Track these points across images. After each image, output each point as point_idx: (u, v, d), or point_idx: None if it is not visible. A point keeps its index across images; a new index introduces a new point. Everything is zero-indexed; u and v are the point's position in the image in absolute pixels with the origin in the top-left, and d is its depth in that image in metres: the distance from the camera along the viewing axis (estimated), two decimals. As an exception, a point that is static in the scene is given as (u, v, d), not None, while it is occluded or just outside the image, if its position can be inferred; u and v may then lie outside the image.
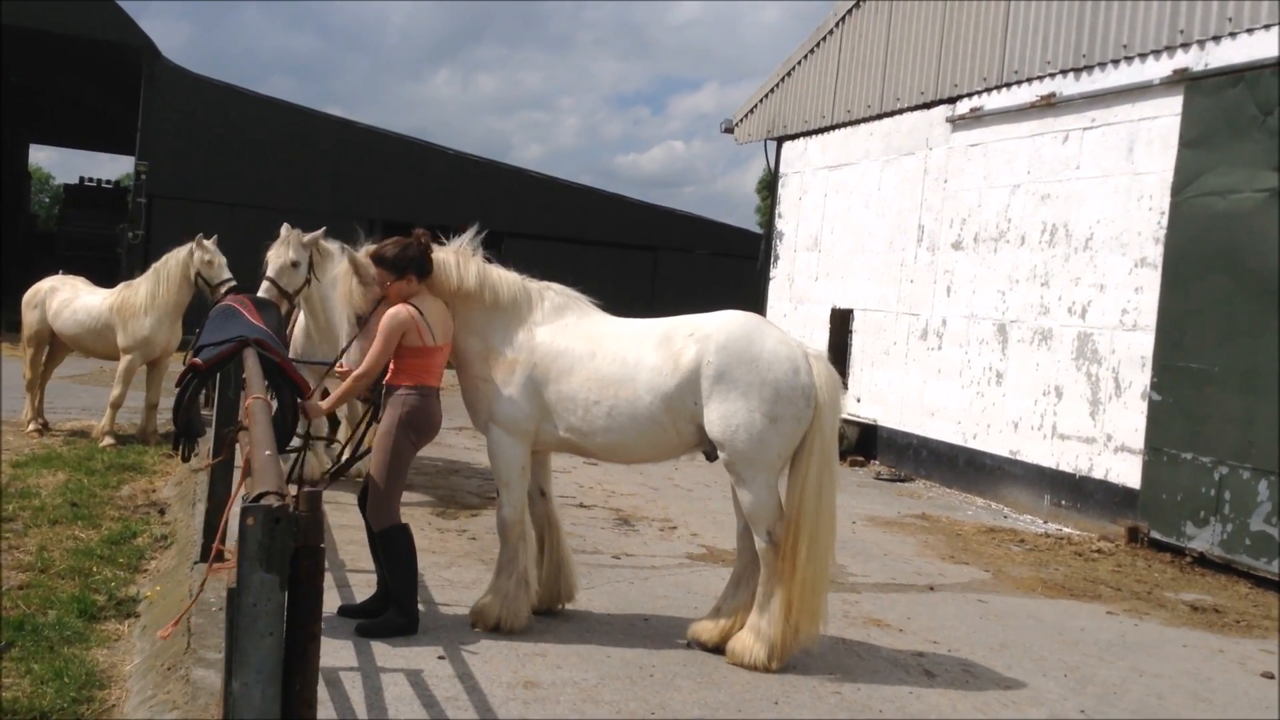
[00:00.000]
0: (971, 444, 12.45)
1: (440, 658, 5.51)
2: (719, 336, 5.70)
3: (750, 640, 5.73)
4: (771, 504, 5.73)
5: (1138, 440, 10.16)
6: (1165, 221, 10.02)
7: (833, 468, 5.81)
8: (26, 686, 4.84)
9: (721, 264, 28.46)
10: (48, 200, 72.83)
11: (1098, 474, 10.65)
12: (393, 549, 5.81)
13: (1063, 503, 11.05)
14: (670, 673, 5.60)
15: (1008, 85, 12.24)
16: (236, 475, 4.80)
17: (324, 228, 9.37)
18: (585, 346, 5.91)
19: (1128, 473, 10.27)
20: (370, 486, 5.86)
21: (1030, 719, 5.44)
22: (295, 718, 2.26)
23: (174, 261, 11.16)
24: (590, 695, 5.19)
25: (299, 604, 2.28)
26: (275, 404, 5.74)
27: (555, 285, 6.27)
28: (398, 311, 5.75)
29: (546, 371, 5.91)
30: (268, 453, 2.76)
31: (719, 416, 5.64)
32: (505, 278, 6.15)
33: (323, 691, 4.93)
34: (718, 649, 5.91)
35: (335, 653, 5.41)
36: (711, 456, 5.88)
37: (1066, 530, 10.69)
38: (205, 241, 11.02)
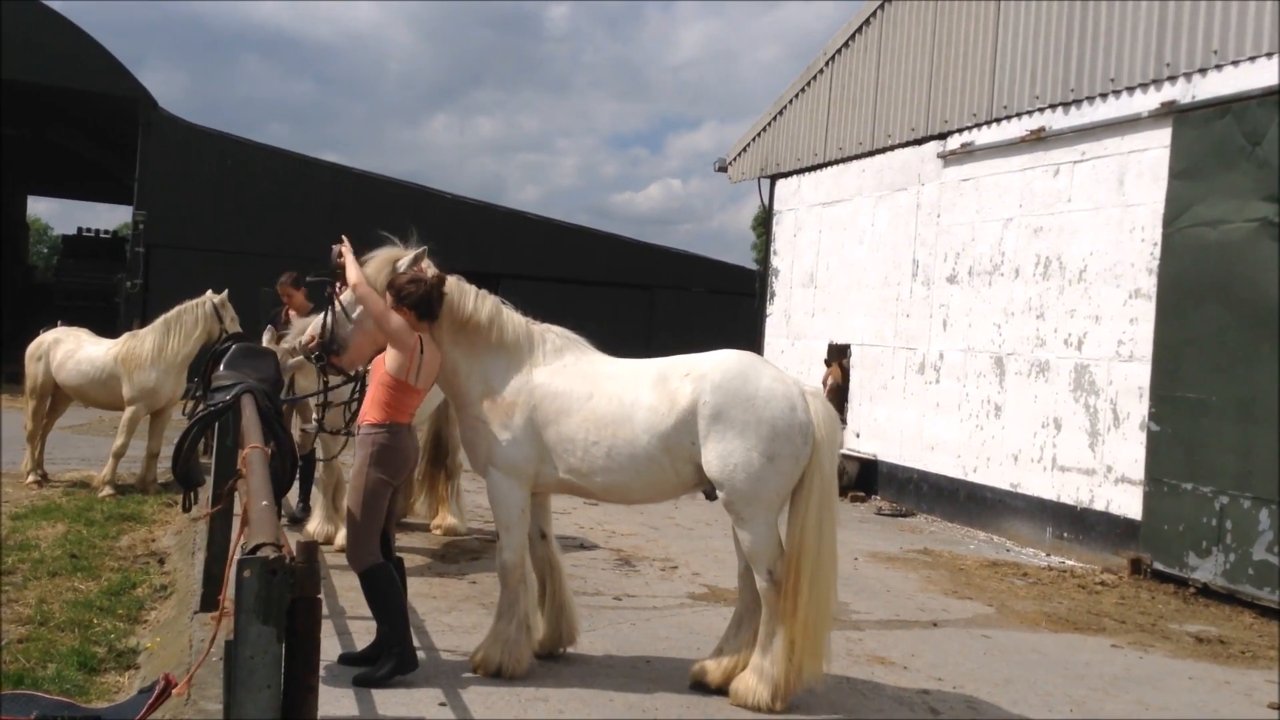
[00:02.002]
0: (972, 477, 12.44)
1: (441, 704, 5.48)
2: (714, 376, 5.72)
3: (753, 681, 5.70)
4: (772, 543, 5.73)
5: (1138, 471, 10.15)
6: (1158, 252, 10.08)
7: (833, 505, 5.81)
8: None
9: (718, 301, 28.53)
10: (46, 251, 73.07)
11: (1099, 505, 10.64)
12: (375, 589, 5.79)
13: (1065, 535, 11.03)
14: (673, 716, 5.57)
15: (997, 120, 12.36)
16: (237, 524, 4.80)
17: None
18: (583, 387, 5.93)
19: (1129, 504, 10.26)
20: (348, 527, 5.88)
21: (1037, 755, 5.40)
22: (295, 769, 2.26)
23: (187, 315, 11.21)
24: (593, 740, 5.16)
25: (296, 655, 2.28)
26: (273, 451, 5.74)
27: (555, 328, 6.32)
28: (412, 332, 5.85)
29: (545, 413, 5.92)
30: (264, 503, 2.77)
31: (717, 456, 5.64)
32: (512, 318, 6.21)
33: (324, 741, 4.91)
34: (721, 690, 5.88)
35: (336, 702, 5.39)
36: (711, 495, 5.89)
37: (1069, 563, 10.66)
38: (215, 296, 11.22)
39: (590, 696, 5.77)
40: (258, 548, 2.29)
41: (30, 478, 11.40)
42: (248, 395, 5.51)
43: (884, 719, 5.75)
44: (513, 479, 5.98)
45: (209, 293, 11.28)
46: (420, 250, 6.20)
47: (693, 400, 5.69)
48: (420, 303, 5.87)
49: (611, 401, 5.84)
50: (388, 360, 5.90)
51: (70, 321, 12.87)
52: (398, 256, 6.18)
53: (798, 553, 5.69)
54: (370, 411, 5.90)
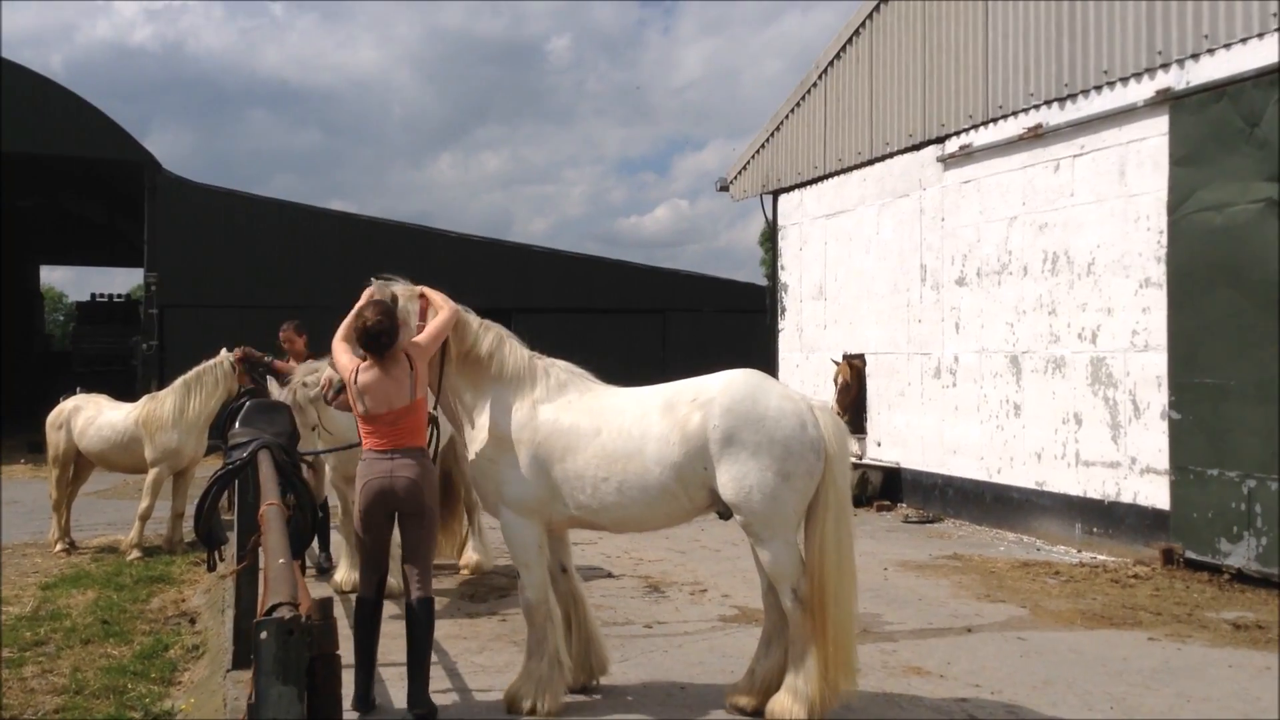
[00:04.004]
0: (996, 479, 12.38)
1: (477, 746, 5.47)
2: (723, 400, 5.70)
3: (789, 701, 5.67)
4: (793, 561, 5.70)
5: (1162, 460, 10.09)
6: (1165, 240, 10.04)
7: (848, 517, 5.80)
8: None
9: (730, 320, 28.52)
10: (63, 319, 73.74)
11: (1126, 498, 10.57)
12: (353, 617, 5.92)
13: (1094, 530, 10.95)
14: (710, 741, 5.54)
15: (994, 120, 12.36)
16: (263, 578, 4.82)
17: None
18: (590, 423, 5.91)
19: (1156, 494, 10.19)
20: None
21: (1079, 757, 5.34)
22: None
23: (206, 375, 11.28)
24: (631, 772, 5.14)
25: (318, 713, 2.29)
26: (293, 505, 5.77)
27: (559, 362, 6.32)
28: (349, 363, 5.94)
29: (552, 450, 5.90)
30: (281, 560, 2.78)
31: (731, 479, 5.63)
32: (515, 351, 6.21)
33: (362, 792, 4.91)
34: (757, 712, 5.85)
35: (372, 750, 5.39)
36: (724, 515, 5.87)
37: (1101, 558, 10.58)
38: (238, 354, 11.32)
39: (626, 728, 5.75)
40: (274, 608, 2.30)
41: (58, 546, 11.47)
42: (264, 451, 5.53)
43: (922, 730, 5.70)
44: (525, 517, 5.97)
45: (223, 351, 11.34)
46: (384, 284, 6.24)
47: (702, 426, 5.67)
48: (366, 342, 5.89)
49: (620, 436, 5.82)
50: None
51: (89, 387, 12.99)
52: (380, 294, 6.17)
53: (820, 568, 5.68)
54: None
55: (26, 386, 34.10)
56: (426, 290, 6.19)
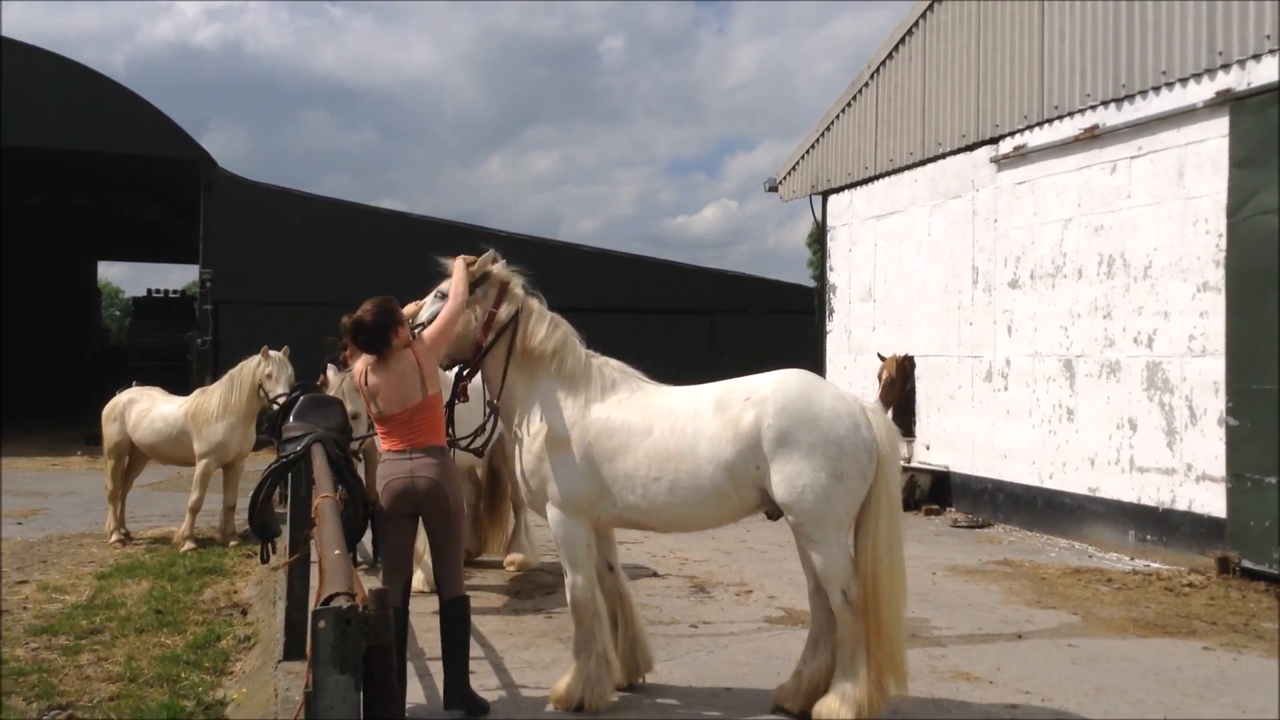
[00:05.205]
0: (1048, 484, 12.22)
1: (524, 742, 5.49)
2: (777, 399, 5.68)
3: (836, 704, 5.63)
4: (844, 562, 5.67)
5: (1219, 467, 9.91)
6: (1224, 244, 9.87)
7: (899, 520, 5.76)
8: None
9: (778, 321, 28.38)
10: (120, 314, 74.99)
11: (1181, 505, 10.40)
12: None
13: (1148, 537, 10.78)
14: (757, 742, 5.52)
15: (1049, 121, 12.21)
16: (316, 571, 4.86)
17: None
18: (641, 422, 5.89)
19: (1212, 502, 10.01)
20: None
21: (1132, 766, 5.26)
22: (378, 816, 2.28)
23: (246, 369, 11.43)
24: (677, 771, 5.13)
25: (374, 702, 2.30)
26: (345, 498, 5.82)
27: (612, 360, 6.31)
28: (355, 369, 5.93)
29: (603, 450, 5.88)
30: (337, 552, 2.81)
31: (784, 479, 5.60)
32: (577, 348, 6.20)
33: (410, 784, 4.94)
34: (804, 714, 5.81)
35: (420, 744, 5.43)
36: (773, 516, 5.84)
37: (1155, 565, 10.42)
38: (272, 353, 11.28)
39: (672, 727, 5.75)
40: (331, 598, 2.32)
41: (114, 537, 11.66)
42: (317, 445, 5.59)
43: (972, 736, 5.64)
44: (574, 517, 5.96)
45: (265, 348, 11.41)
46: (486, 254, 6.21)
47: (756, 425, 5.65)
48: (349, 332, 5.89)
49: (672, 435, 5.80)
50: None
51: (145, 381, 13.17)
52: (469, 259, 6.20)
53: (872, 570, 5.64)
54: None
55: (84, 381, 34.75)
56: (456, 269, 6.09)
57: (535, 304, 6.27)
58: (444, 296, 6.07)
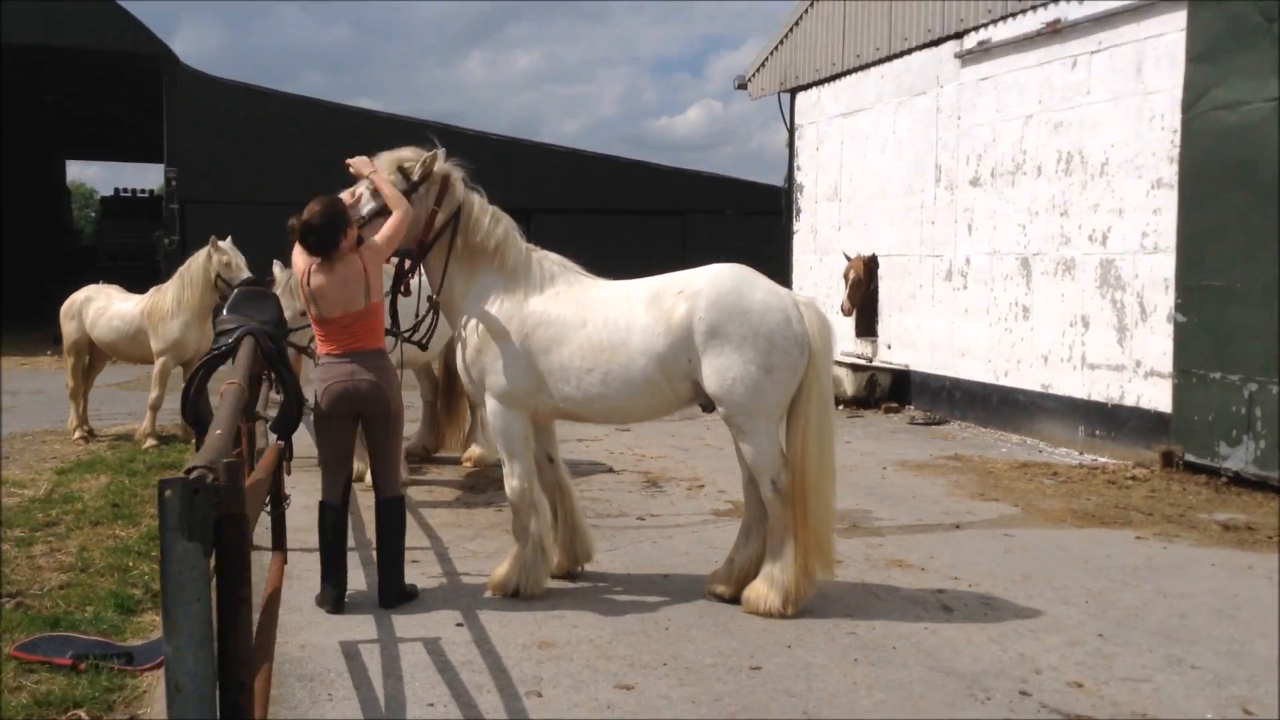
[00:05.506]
0: (1003, 381, 12.37)
1: (458, 625, 5.64)
2: (709, 292, 5.71)
3: (764, 588, 5.79)
4: (774, 453, 5.77)
5: (1166, 363, 10.04)
6: (1178, 140, 9.85)
7: (830, 413, 5.85)
8: (61, 679, 5.02)
9: (751, 223, 28.23)
10: (93, 215, 74.04)
11: (1129, 401, 10.55)
12: (319, 523, 5.97)
13: (1097, 433, 10.96)
14: (685, 625, 5.68)
15: (1013, 15, 12.06)
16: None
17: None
18: (576, 314, 5.93)
19: (1159, 397, 10.17)
20: None
21: (1045, 646, 5.44)
22: (232, 676, 2.37)
23: (196, 265, 11.33)
24: (604, 651, 5.29)
25: (226, 570, 2.37)
26: (281, 394, 5.86)
27: (551, 254, 6.31)
28: (295, 266, 5.92)
29: (539, 341, 5.93)
30: (219, 431, 2.86)
31: (714, 371, 5.67)
32: (518, 243, 6.19)
33: (340, 664, 5.09)
34: (734, 599, 5.98)
35: (356, 626, 5.58)
36: (707, 408, 5.93)
37: (1102, 460, 10.61)
38: (220, 243, 11.16)
39: (604, 611, 5.91)
40: (190, 470, 2.38)
41: (76, 434, 11.71)
42: (249, 337, 5.62)
43: (896, 618, 5.81)
44: (511, 407, 6.03)
45: (212, 239, 11.29)
46: (431, 153, 6.09)
47: (688, 317, 5.70)
48: (299, 240, 5.84)
49: (605, 327, 5.84)
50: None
51: (114, 281, 13.06)
52: (410, 159, 6.07)
53: (800, 461, 5.75)
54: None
55: (55, 281, 34.44)
56: (378, 181, 5.96)
57: (476, 199, 6.23)
58: (375, 192, 5.99)
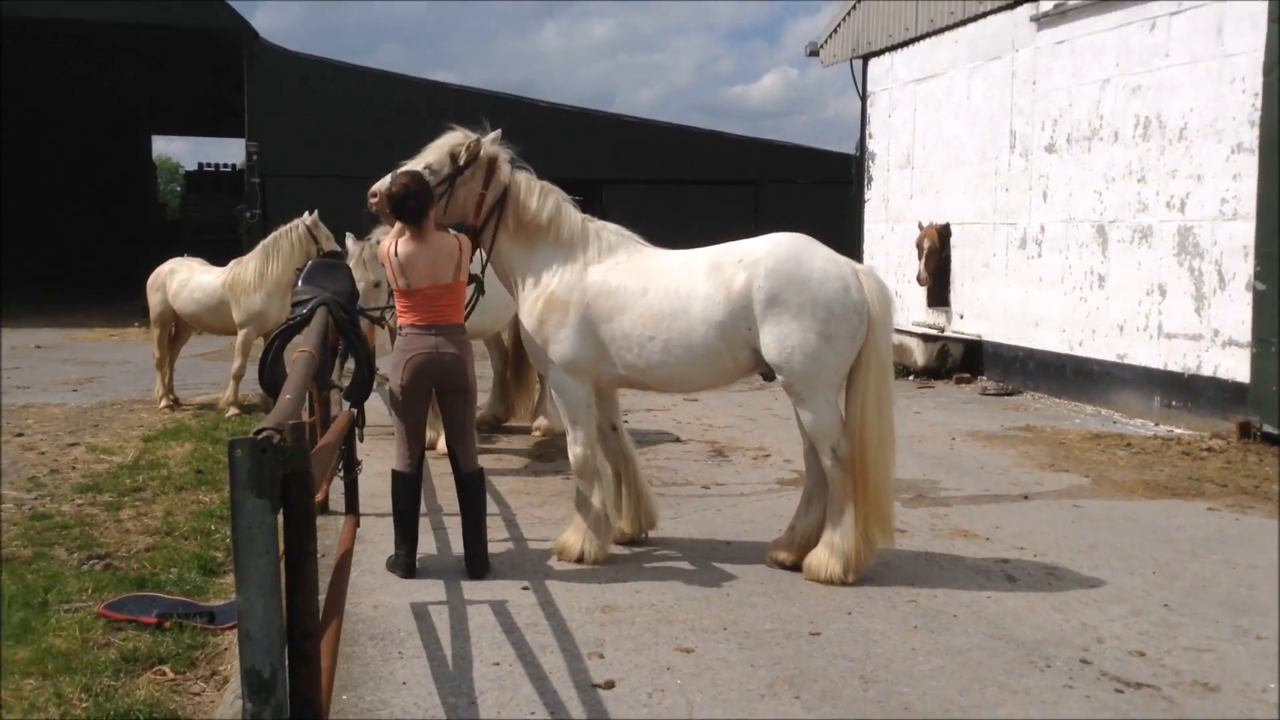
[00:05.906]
0: (1078, 351, 12.19)
1: (525, 588, 5.79)
2: (768, 261, 5.75)
3: (825, 556, 5.85)
4: (833, 422, 5.81)
5: (1245, 333, 9.83)
6: (1259, 103, 9.59)
7: (889, 381, 5.87)
8: (146, 636, 5.27)
9: (823, 191, 27.96)
10: (178, 189, 75.73)
11: (1207, 371, 10.35)
12: (392, 491, 6.06)
13: (1173, 403, 10.77)
14: (746, 591, 5.77)
15: (1091, -23, 11.80)
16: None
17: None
18: (636, 283, 6.01)
19: (1236, 367, 9.96)
20: None
21: (1109, 616, 5.42)
22: (299, 625, 2.50)
23: (285, 238, 11.63)
24: (665, 615, 5.39)
25: (294, 525, 2.50)
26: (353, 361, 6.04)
27: (610, 225, 6.39)
28: (383, 243, 5.99)
29: (600, 311, 6.02)
30: (288, 396, 2.99)
31: (774, 339, 5.72)
32: (570, 216, 6.27)
33: (410, 624, 5.27)
34: (795, 567, 6.04)
35: (425, 589, 5.77)
36: (768, 376, 5.98)
37: (1178, 431, 10.44)
38: (308, 216, 11.53)
39: (668, 576, 6.01)
40: (258, 432, 2.51)
41: (162, 403, 12.11)
42: (322, 307, 5.79)
43: (958, 587, 5.82)
44: (574, 376, 6.14)
45: (305, 214, 11.62)
46: (475, 138, 6.20)
47: (747, 286, 5.74)
48: (393, 202, 5.88)
49: (666, 296, 5.91)
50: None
51: (197, 254, 13.44)
52: (458, 144, 6.17)
53: (860, 429, 5.78)
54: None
55: (142, 254, 35.47)
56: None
57: (523, 178, 6.28)
58: (431, 170, 6.09)
